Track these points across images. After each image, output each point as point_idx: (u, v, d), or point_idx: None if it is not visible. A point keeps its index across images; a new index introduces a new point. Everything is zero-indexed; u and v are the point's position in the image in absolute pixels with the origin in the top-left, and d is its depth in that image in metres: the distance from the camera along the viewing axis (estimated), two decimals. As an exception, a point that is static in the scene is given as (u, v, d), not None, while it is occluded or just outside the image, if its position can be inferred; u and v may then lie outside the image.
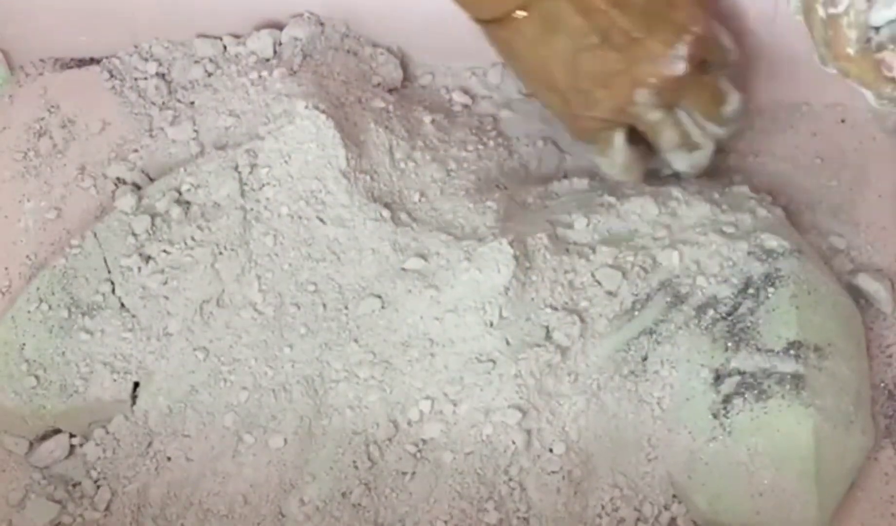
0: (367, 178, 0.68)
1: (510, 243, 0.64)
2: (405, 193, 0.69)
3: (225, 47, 0.78)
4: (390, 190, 0.69)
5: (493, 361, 0.63)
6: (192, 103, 0.76)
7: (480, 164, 0.73)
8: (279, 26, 0.77)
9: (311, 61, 0.74)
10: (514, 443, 0.62)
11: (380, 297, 0.66)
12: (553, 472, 0.62)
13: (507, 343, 0.64)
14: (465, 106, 0.78)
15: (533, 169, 0.75)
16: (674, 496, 0.62)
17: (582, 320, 0.64)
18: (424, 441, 0.63)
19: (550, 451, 0.62)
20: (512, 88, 0.78)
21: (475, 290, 0.64)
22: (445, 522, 0.61)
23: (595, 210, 0.68)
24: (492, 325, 0.64)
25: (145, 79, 0.77)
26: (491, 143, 0.75)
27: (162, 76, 0.77)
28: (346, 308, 0.66)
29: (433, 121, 0.73)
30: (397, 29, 0.77)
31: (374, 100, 0.73)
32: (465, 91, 0.78)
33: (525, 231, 0.66)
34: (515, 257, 0.64)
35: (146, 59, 0.78)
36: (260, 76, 0.74)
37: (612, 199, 0.68)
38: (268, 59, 0.76)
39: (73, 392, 0.64)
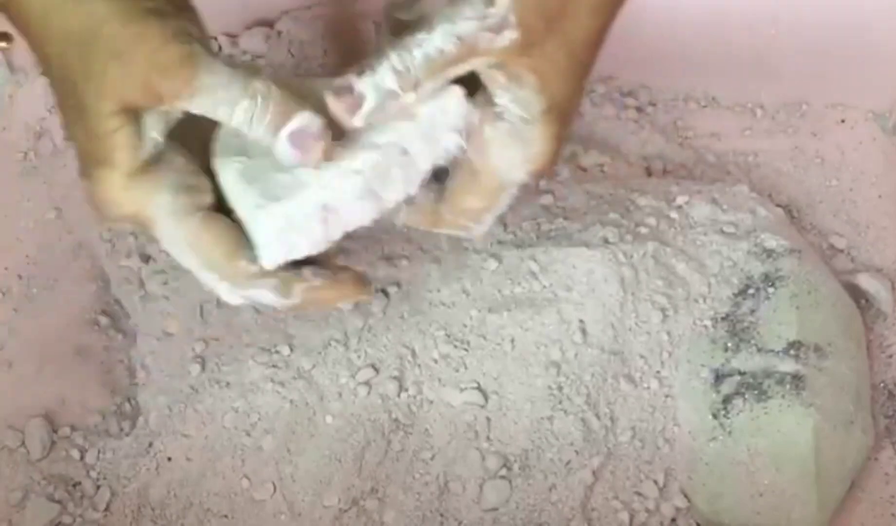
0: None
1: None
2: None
3: (220, 47, 0.78)
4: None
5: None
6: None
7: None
8: (270, 24, 0.77)
9: (303, 57, 0.75)
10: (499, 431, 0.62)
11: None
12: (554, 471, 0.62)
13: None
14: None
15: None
16: (674, 496, 0.62)
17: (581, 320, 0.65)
18: (429, 440, 0.63)
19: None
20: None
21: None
22: (453, 520, 0.61)
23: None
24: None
25: (140, 79, 0.77)
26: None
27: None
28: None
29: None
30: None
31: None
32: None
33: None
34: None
35: (141, 59, 0.78)
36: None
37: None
38: (261, 57, 0.76)
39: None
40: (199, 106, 0.47)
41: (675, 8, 0.71)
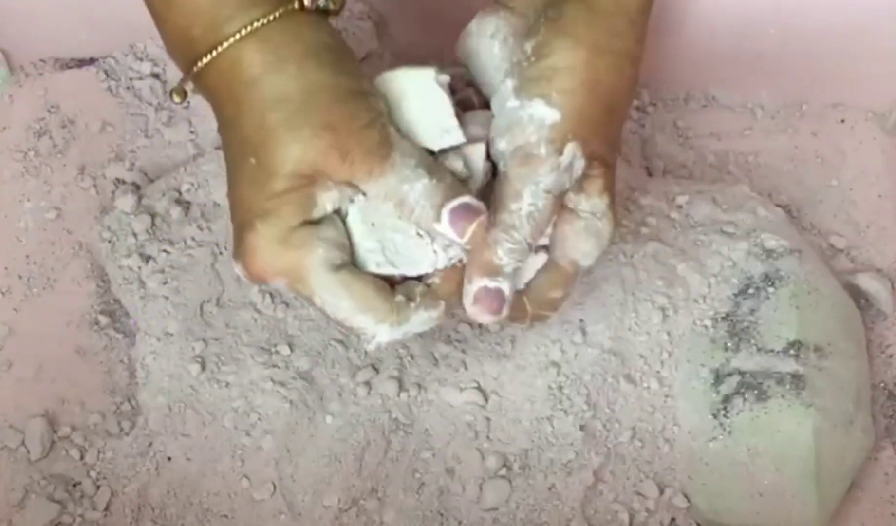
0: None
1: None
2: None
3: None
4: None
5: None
6: (188, 104, 0.76)
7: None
8: None
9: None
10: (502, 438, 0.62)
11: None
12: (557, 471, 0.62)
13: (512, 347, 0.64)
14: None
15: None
16: (674, 496, 0.62)
17: (581, 320, 0.65)
18: (429, 440, 0.63)
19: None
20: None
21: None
22: (453, 520, 0.61)
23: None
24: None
25: (140, 79, 0.77)
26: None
27: (157, 76, 0.77)
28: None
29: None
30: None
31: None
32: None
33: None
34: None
35: (141, 59, 0.78)
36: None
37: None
38: None
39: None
40: (386, 183, 0.51)
41: (674, 8, 0.71)
